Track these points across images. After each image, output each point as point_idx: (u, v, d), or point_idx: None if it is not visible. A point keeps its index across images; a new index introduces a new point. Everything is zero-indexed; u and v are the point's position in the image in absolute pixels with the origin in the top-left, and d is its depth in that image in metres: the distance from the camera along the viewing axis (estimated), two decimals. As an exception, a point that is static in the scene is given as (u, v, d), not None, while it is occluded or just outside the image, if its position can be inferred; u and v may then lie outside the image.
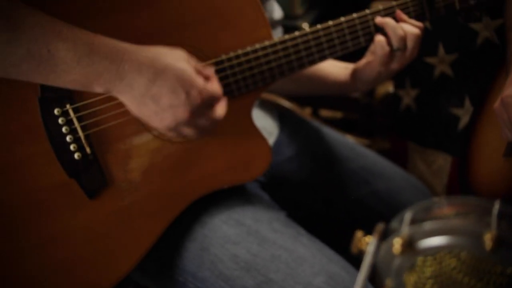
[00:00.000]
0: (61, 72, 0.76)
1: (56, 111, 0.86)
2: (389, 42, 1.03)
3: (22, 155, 0.85)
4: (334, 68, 1.23)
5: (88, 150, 0.88)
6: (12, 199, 0.85)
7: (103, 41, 0.77)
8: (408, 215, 0.58)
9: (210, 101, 0.84)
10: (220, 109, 0.87)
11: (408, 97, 1.50)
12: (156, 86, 0.78)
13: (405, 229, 0.56)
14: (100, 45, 0.76)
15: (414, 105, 1.49)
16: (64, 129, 0.86)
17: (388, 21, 1.03)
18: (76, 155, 0.88)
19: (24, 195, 0.86)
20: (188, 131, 0.85)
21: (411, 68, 1.25)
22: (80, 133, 0.88)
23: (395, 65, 1.07)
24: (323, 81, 1.24)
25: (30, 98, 0.84)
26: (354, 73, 1.16)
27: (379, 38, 1.03)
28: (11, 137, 0.84)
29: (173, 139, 0.94)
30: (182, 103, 0.79)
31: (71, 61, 0.75)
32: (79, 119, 0.88)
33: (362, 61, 1.13)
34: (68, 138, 0.87)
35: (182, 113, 0.80)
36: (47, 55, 0.74)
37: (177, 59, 0.81)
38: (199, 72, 0.83)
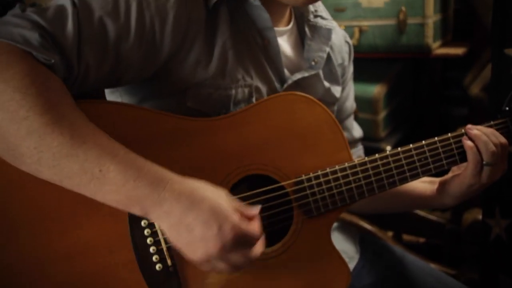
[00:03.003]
0: (107, 192, 0.79)
1: (143, 223, 0.90)
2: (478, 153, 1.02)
3: (107, 263, 0.89)
4: (419, 183, 1.21)
5: (169, 262, 0.91)
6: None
7: (152, 168, 0.80)
8: None
9: (243, 239, 0.81)
10: (256, 249, 0.85)
11: (499, 227, 1.43)
12: (191, 216, 0.79)
13: None
14: (149, 172, 0.79)
15: (505, 236, 1.42)
16: (148, 240, 0.90)
17: (480, 135, 1.02)
18: (157, 266, 0.90)
19: (105, 303, 0.89)
20: (221, 265, 0.83)
21: (501, 197, 1.20)
22: (163, 245, 0.91)
23: (484, 179, 1.04)
24: (408, 197, 1.22)
25: (120, 209, 0.90)
26: (441, 187, 1.14)
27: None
28: (101, 245, 0.89)
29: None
30: (213, 237, 0.79)
31: (118, 183, 0.78)
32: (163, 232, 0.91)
33: (449, 175, 1.12)
34: (151, 249, 0.90)
35: (213, 247, 0.79)
36: (98, 174, 0.78)
37: (216, 194, 0.83)
38: (239, 213, 0.83)
